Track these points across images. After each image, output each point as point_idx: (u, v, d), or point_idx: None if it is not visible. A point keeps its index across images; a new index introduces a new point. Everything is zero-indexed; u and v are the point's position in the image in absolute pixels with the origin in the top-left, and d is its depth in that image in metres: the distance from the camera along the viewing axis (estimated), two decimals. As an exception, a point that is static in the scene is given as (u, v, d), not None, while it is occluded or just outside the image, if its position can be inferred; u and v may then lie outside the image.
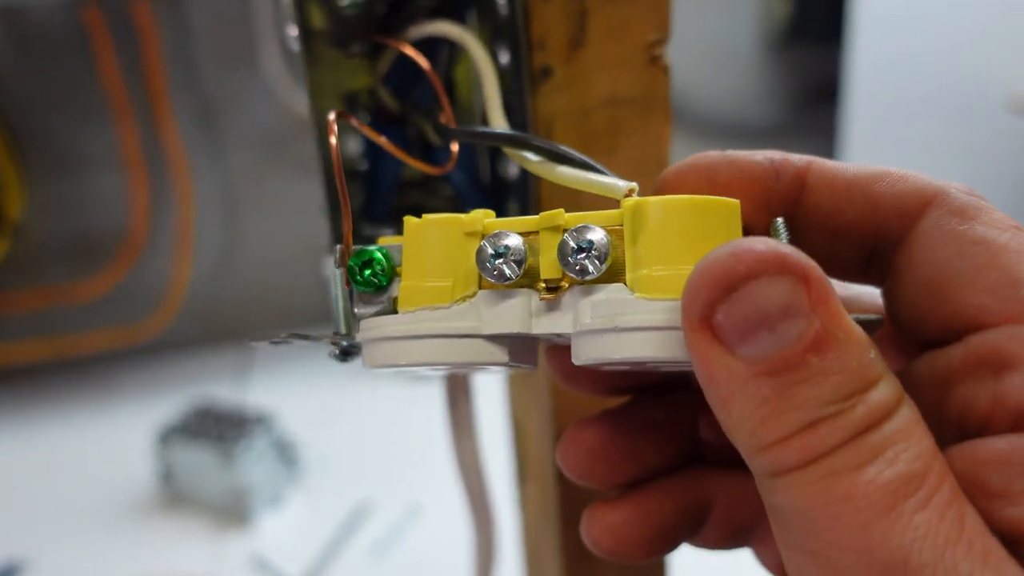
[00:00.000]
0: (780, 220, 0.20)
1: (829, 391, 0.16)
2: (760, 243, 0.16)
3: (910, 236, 0.19)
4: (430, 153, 0.31)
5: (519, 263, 0.19)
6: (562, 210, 0.19)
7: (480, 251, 0.19)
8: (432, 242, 0.20)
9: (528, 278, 0.19)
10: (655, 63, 0.27)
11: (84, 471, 0.90)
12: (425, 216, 0.20)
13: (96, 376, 1.09)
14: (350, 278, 0.21)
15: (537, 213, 0.29)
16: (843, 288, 0.24)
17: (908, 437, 0.16)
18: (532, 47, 0.26)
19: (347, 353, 0.22)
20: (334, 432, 0.91)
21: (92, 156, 1.03)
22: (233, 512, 0.80)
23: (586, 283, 0.19)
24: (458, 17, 0.29)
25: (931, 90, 1.04)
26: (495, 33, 0.28)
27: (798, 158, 0.20)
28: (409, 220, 0.20)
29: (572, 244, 0.18)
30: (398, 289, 0.21)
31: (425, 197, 0.33)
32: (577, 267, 0.18)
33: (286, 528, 0.80)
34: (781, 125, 1.16)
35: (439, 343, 0.20)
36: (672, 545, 0.24)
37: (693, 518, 0.24)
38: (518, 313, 0.20)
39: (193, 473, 0.81)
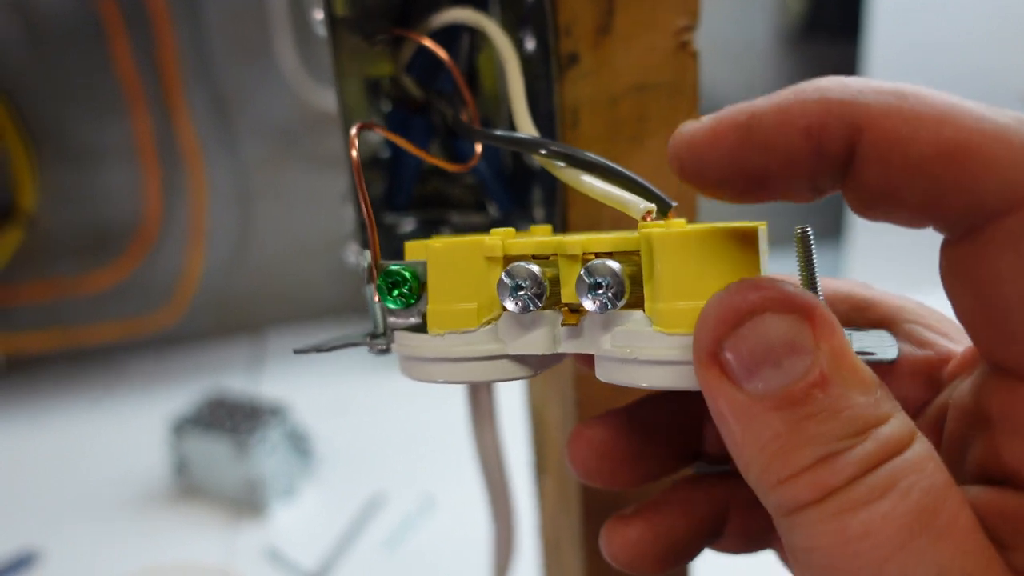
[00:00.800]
0: (804, 231, 0.19)
1: (838, 427, 0.16)
2: (766, 281, 0.17)
3: (980, 236, 0.16)
4: (454, 140, 0.31)
5: (539, 296, 0.19)
6: (578, 238, 0.20)
7: (500, 285, 0.20)
8: (455, 267, 0.21)
9: (551, 297, 0.20)
10: (684, 49, 0.27)
11: (98, 462, 0.90)
12: (447, 241, 0.21)
13: (109, 367, 1.09)
14: (380, 297, 0.21)
15: (563, 202, 0.29)
16: (865, 290, 0.23)
17: (921, 470, 0.16)
18: (559, 33, 0.26)
19: (386, 349, 0.23)
20: (348, 424, 0.91)
21: (105, 148, 1.03)
22: (247, 503, 0.80)
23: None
24: (481, 2, 0.29)
25: (946, 84, 1.03)
26: (520, 19, 0.28)
27: (846, 122, 0.16)
28: (432, 245, 0.21)
29: (588, 281, 0.19)
30: (426, 304, 0.21)
31: (447, 185, 0.33)
32: (596, 303, 0.19)
33: (300, 520, 0.80)
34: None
35: (469, 365, 0.21)
36: (690, 556, 0.24)
37: (710, 528, 0.24)
38: (542, 335, 0.20)
39: (207, 464, 0.81)
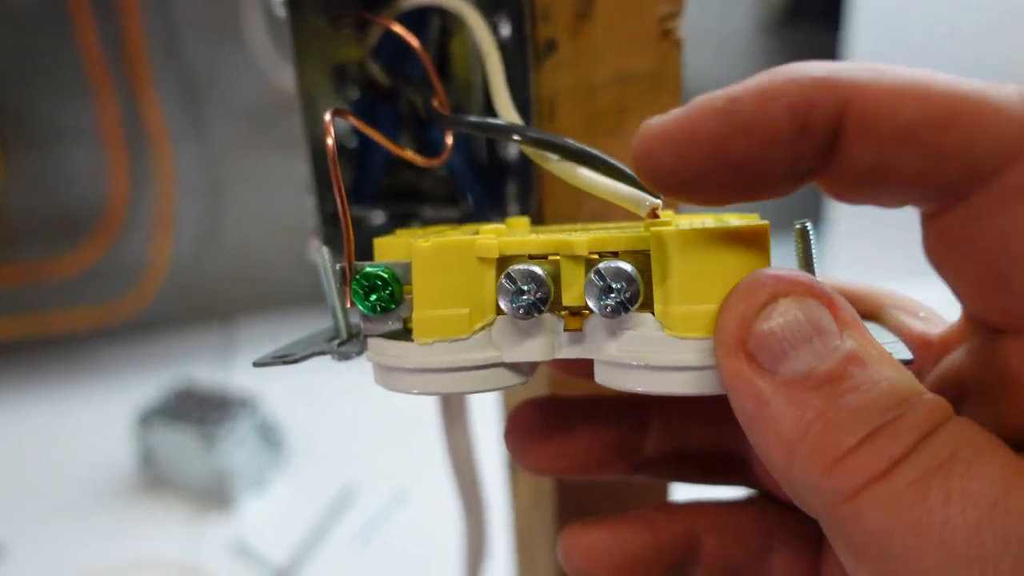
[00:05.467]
0: (804, 226, 0.18)
1: (882, 397, 0.15)
2: (785, 270, 0.16)
3: (976, 199, 0.16)
4: (425, 130, 0.29)
5: (544, 300, 0.18)
6: (584, 239, 0.18)
7: (502, 289, 0.18)
8: (444, 269, 0.19)
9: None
10: (667, 37, 0.25)
11: (62, 453, 0.88)
12: (436, 241, 0.19)
13: (74, 355, 1.06)
14: (355, 302, 0.19)
15: (538, 197, 0.27)
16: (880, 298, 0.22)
17: (977, 431, 0.15)
18: (535, 19, 0.25)
19: (348, 355, 0.21)
20: (319, 415, 0.89)
21: (70, 130, 1.01)
22: (215, 496, 0.78)
23: None
24: (454, -16, 0.27)
25: (927, 75, 1.03)
26: (495, 2, 0.26)
27: (831, 97, 0.15)
28: (417, 246, 0.19)
29: (599, 284, 0.18)
30: (408, 309, 0.19)
31: (417, 177, 0.31)
32: (608, 309, 0.18)
33: (269, 513, 0.78)
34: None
35: (460, 375, 0.19)
36: None
37: (675, 555, 0.23)
38: (541, 342, 0.19)
39: (174, 456, 0.79)
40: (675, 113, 0.16)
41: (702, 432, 0.24)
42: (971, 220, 0.16)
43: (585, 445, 0.24)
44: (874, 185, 0.16)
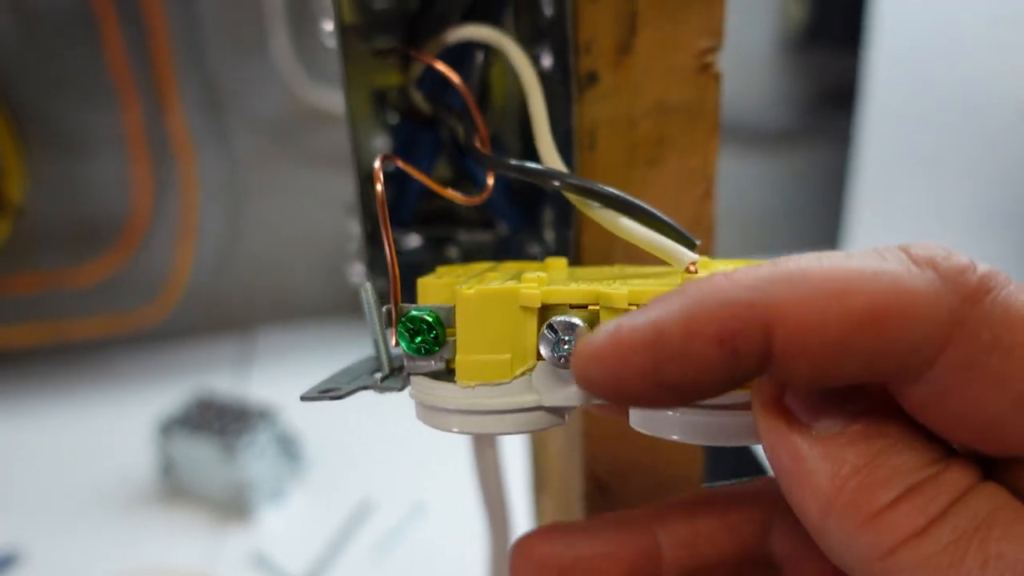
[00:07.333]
0: None
1: (915, 457, 0.15)
2: None
3: (928, 376, 0.15)
4: (463, 156, 0.30)
5: None
6: (623, 292, 0.19)
7: (544, 339, 0.19)
8: (487, 316, 0.20)
9: None
10: (706, 70, 0.26)
11: (82, 460, 0.89)
12: (478, 289, 0.20)
13: (95, 363, 1.07)
14: (399, 342, 0.20)
15: (576, 227, 0.28)
16: None
17: (1009, 495, 0.15)
18: (578, 51, 0.25)
19: (391, 390, 0.22)
20: (338, 427, 0.90)
21: (95, 139, 1.02)
22: (233, 507, 0.79)
23: None
24: (495, 16, 0.27)
25: (947, 96, 1.03)
26: (537, 34, 0.27)
27: (755, 326, 0.15)
28: (462, 294, 0.20)
29: None
30: (451, 350, 0.20)
31: (453, 204, 0.32)
32: None
33: (287, 524, 0.79)
34: (796, 129, 1.15)
35: (501, 417, 0.20)
36: None
37: None
38: (580, 388, 0.19)
39: (193, 466, 0.80)
40: (604, 338, 0.16)
41: (723, 540, 0.23)
42: (933, 396, 0.16)
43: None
44: (822, 384, 0.16)
